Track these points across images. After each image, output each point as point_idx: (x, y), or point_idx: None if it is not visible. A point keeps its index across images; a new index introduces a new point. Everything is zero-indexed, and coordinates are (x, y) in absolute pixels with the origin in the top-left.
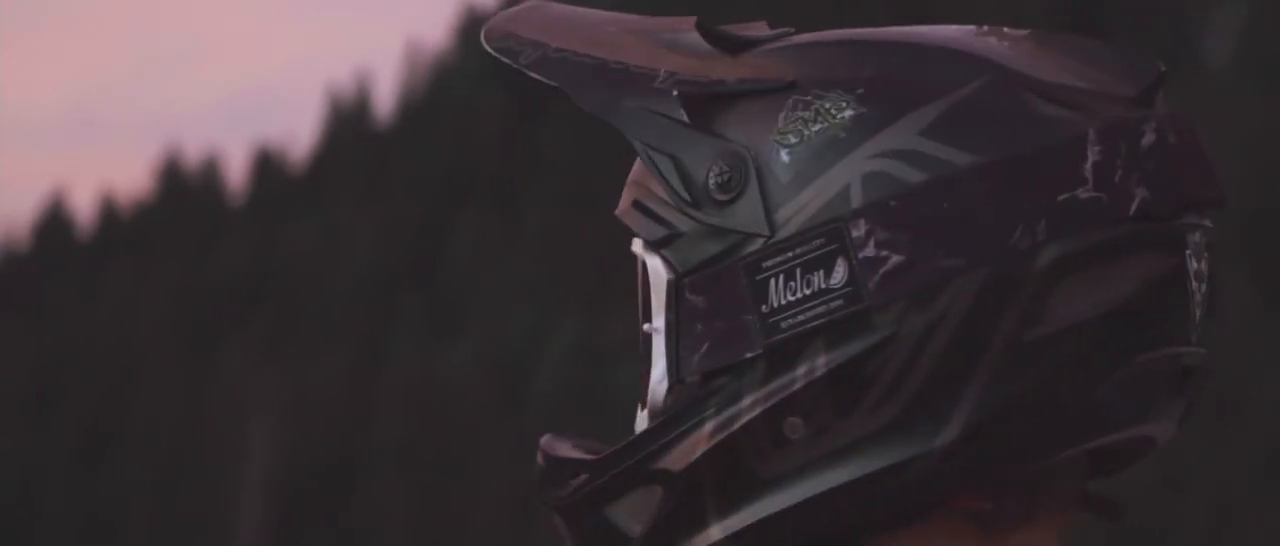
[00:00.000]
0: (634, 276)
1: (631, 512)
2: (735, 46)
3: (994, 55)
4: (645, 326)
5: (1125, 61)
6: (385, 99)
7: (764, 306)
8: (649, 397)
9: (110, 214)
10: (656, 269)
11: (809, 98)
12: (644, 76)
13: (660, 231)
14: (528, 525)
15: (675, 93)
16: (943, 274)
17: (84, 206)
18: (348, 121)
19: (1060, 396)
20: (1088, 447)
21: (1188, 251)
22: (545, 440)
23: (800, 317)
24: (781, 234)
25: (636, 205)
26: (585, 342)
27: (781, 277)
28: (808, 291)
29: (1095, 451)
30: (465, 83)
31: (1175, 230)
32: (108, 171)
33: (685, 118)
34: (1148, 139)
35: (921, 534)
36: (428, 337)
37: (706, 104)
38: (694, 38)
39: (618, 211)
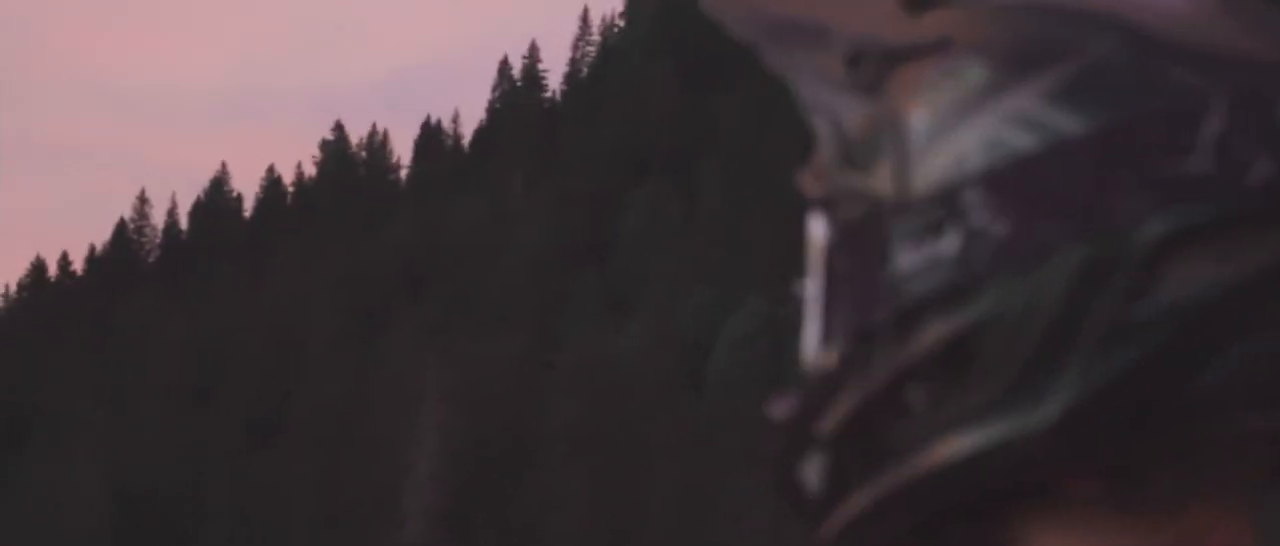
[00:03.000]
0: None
1: (814, 475)
2: (925, 1)
3: (1138, 15)
4: (804, 289)
5: None
6: (555, 73)
7: (892, 272)
8: (804, 363)
9: (273, 194)
10: (816, 232)
11: (952, 59)
12: (821, 34)
13: (819, 194)
14: (708, 508)
15: (844, 52)
16: (1046, 246)
17: (247, 187)
18: (516, 96)
19: (1169, 375)
20: (1213, 430)
21: None
22: (774, 401)
23: (920, 285)
24: (910, 199)
25: (809, 167)
26: (767, 319)
27: (907, 244)
28: (927, 258)
29: None
30: (637, 55)
31: None
32: (271, 151)
33: (850, 78)
34: None
35: (1058, 514)
36: (601, 317)
37: (872, 64)
38: None
39: (798, 176)
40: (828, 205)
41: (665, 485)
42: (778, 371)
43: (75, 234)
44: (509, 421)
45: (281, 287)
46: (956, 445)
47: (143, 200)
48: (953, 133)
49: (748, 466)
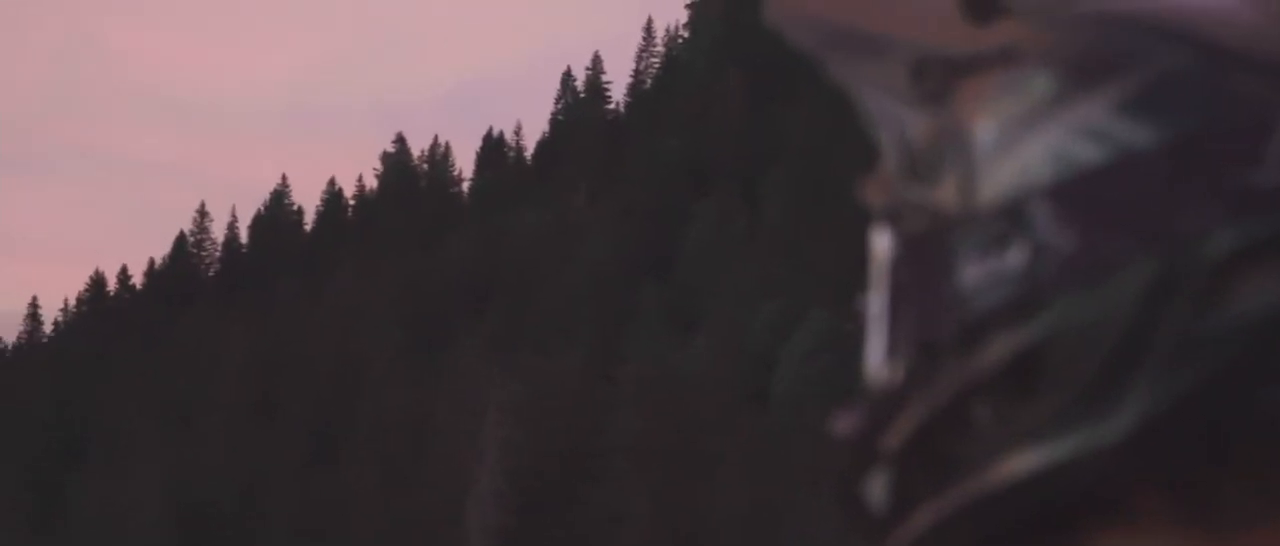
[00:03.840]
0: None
1: (877, 491)
2: (989, 11)
3: (1206, 24)
4: (867, 303)
5: None
6: (618, 84)
7: (957, 286)
8: (868, 378)
9: (334, 208)
10: (879, 245)
11: (1017, 70)
12: (884, 44)
13: (882, 206)
14: (773, 524)
15: (908, 63)
16: (1113, 260)
17: (307, 200)
18: (579, 108)
19: (1240, 389)
20: None
21: None
22: (838, 419)
23: (985, 300)
24: (975, 212)
25: (873, 179)
26: (833, 333)
27: (972, 257)
28: (992, 272)
29: None
30: (701, 65)
31: None
32: (331, 164)
33: (914, 89)
34: None
35: (1126, 530)
36: (665, 331)
37: (936, 75)
38: (949, 1)
39: (859, 188)
40: (891, 218)
41: (729, 501)
42: (843, 385)
43: (135, 247)
44: (571, 436)
45: (342, 301)
46: (1023, 461)
47: (202, 213)
48: (1018, 144)
49: (813, 482)
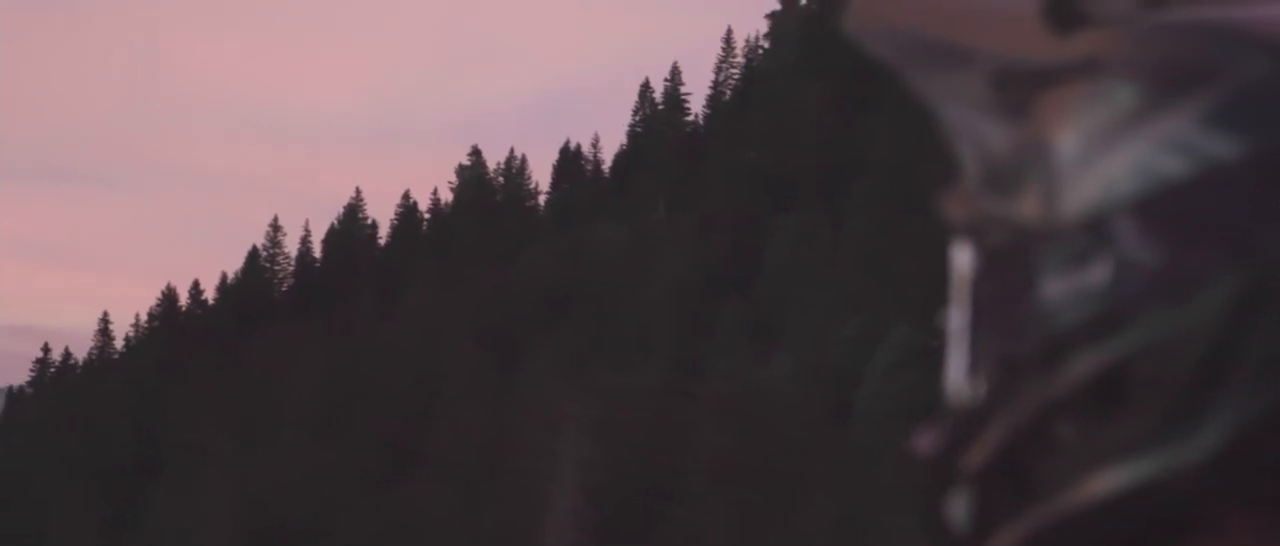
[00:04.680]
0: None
1: (959, 511)
2: (1072, 21)
3: None
4: (948, 319)
5: None
6: (697, 95)
7: (1039, 302)
8: (949, 395)
9: (409, 221)
10: (960, 259)
11: (1100, 81)
12: (965, 56)
13: (963, 220)
14: (857, 544)
15: (989, 75)
16: (1199, 276)
17: (382, 214)
18: (658, 120)
19: None
20: None
21: None
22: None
23: (1068, 316)
24: (1058, 226)
25: (953, 193)
26: (917, 349)
27: (1055, 272)
28: (1075, 288)
29: None
30: (782, 77)
31: None
32: (406, 177)
33: (996, 101)
34: None
35: None
36: (746, 347)
37: (1018, 87)
38: (1031, 9)
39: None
40: (973, 232)
41: (812, 520)
42: (927, 403)
43: (206, 262)
44: (650, 454)
45: (416, 317)
46: (1107, 480)
47: (275, 227)
48: (1102, 157)
49: (897, 500)
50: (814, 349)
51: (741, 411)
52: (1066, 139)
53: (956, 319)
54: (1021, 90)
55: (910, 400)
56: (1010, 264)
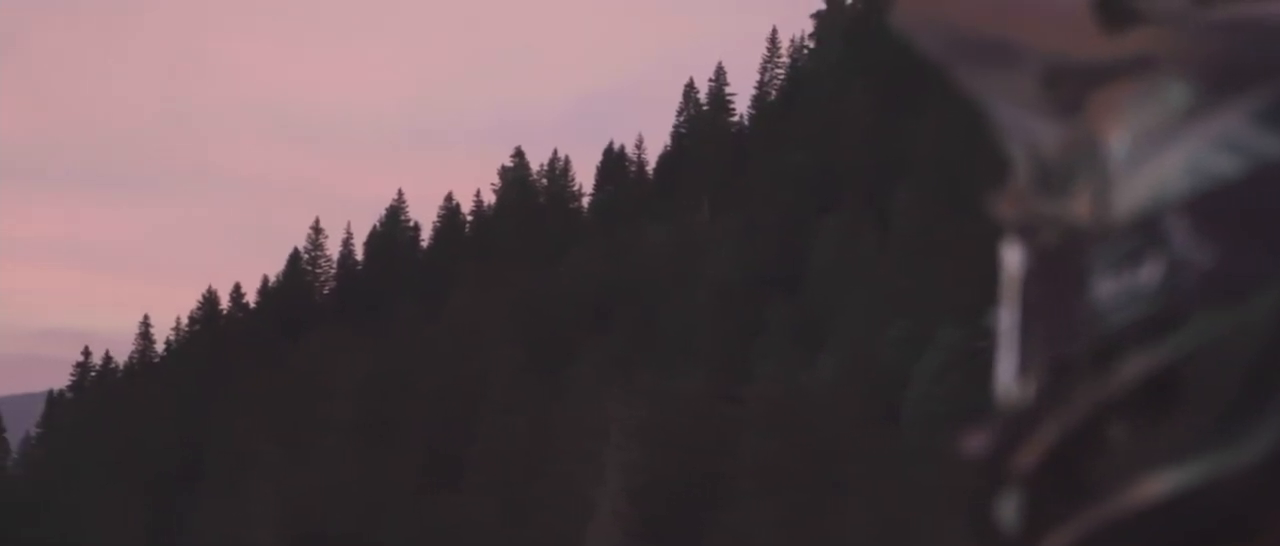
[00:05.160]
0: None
1: (1009, 513)
2: (1124, 18)
3: None
4: (998, 319)
5: None
6: (742, 96)
7: (1090, 302)
8: (998, 396)
9: (452, 223)
10: (1011, 259)
11: (1152, 79)
12: (1015, 53)
13: (1014, 220)
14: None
15: (1039, 72)
16: (1252, 276)
17: (424, 216)
18: (702, 121)
19: None
20: None
21: None
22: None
23: (1120, 317)
24: (1109, 226)
25: (1004, 192)
26: (964, 352)
27: (1106, 272)
28: (1127, 288)
29: None
30: (827, 77)
31: None
32: (449, 179)
33: (1046, 99)
34: None
35: None
36: (792, 350)
37: (1069, 85)
38: (1082, 5)
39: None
40: (1023, 231)
41: (859, 523)
42: (975, 405)
43: (248, 265)
44: (695, 458)
45: (459, 320)
46: (1159, 483)
47: (317, 230)
48: (1154, 156)
49: (945, 503)
50: (860, 351)
51: (787, 414)
52: (1118, 138)
53: (1007, 319)
54: (1072, 88)
55: (957, 403)
56: (1061, 264)
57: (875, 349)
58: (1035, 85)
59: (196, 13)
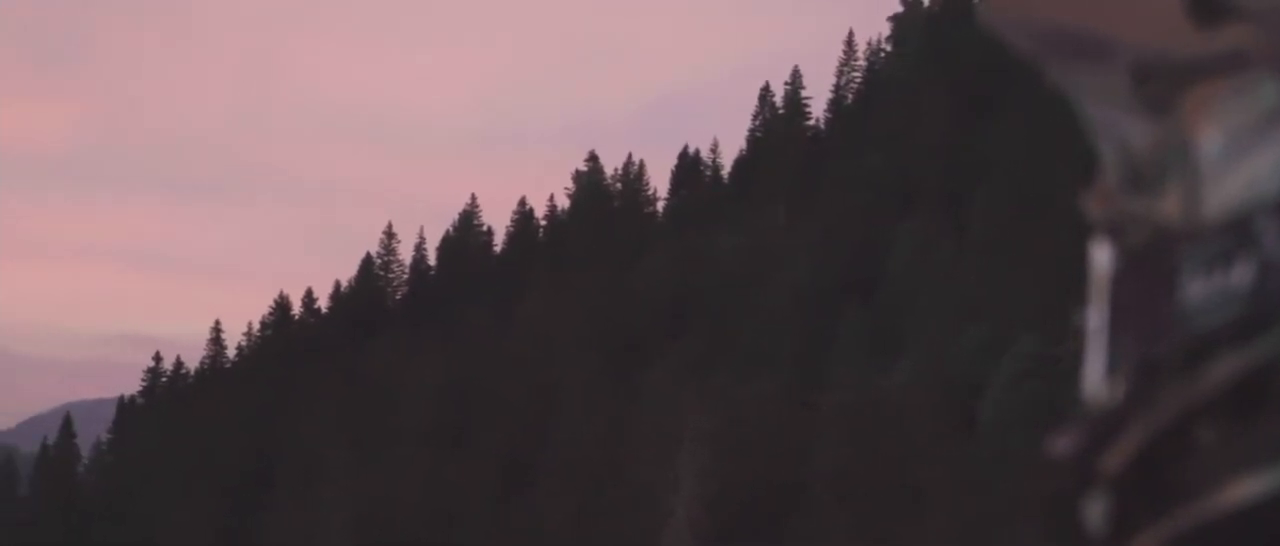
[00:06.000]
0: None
1: (1096, 515)
2: (1217, 13)
3: None
4: (1086, 319)
5: None
6: (818, 99)
7: (1181, 303)
8: (1086, 397)
9: (525, 228)
10: (1099, 258)
11: (1246, 76)
12: (1106, 49)
13: (1103, 219)
14: None
15: (1130, 69)
16: None
17: (497, 220)
18: (778, 124)
19: None
20: None
21: None
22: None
23: (1210, 318)
24: (1200, 226)
25: (1093, 190)
26: (1042, 358)
27: (1197, 273)
28: (1218, 289)
29: None
30: (905, 80)
31: None
32: (522, 183)
33: (1137, 96)
34: None
35: None
36: (868, 356)
37: (1161, 82)
38: (1174, 1)
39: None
40: (1113, 231)
41: (936, 532)
42: (1053, 412)
43: (320, 270)
44: (770, 464)
45: (533, 325)
46: (1249, 486)
47: (389, 234)
48: (1246, 155)
49: (1022, 510)
50: (936, 356)
51: (862, 420)
52: (1210, 136)
53: (1095, 319)
54: (1164, 85)
55: (1035, 410)
56: (1151, 264)
57: (952, 354)
58: (1126, 82)
59: (269, 16)
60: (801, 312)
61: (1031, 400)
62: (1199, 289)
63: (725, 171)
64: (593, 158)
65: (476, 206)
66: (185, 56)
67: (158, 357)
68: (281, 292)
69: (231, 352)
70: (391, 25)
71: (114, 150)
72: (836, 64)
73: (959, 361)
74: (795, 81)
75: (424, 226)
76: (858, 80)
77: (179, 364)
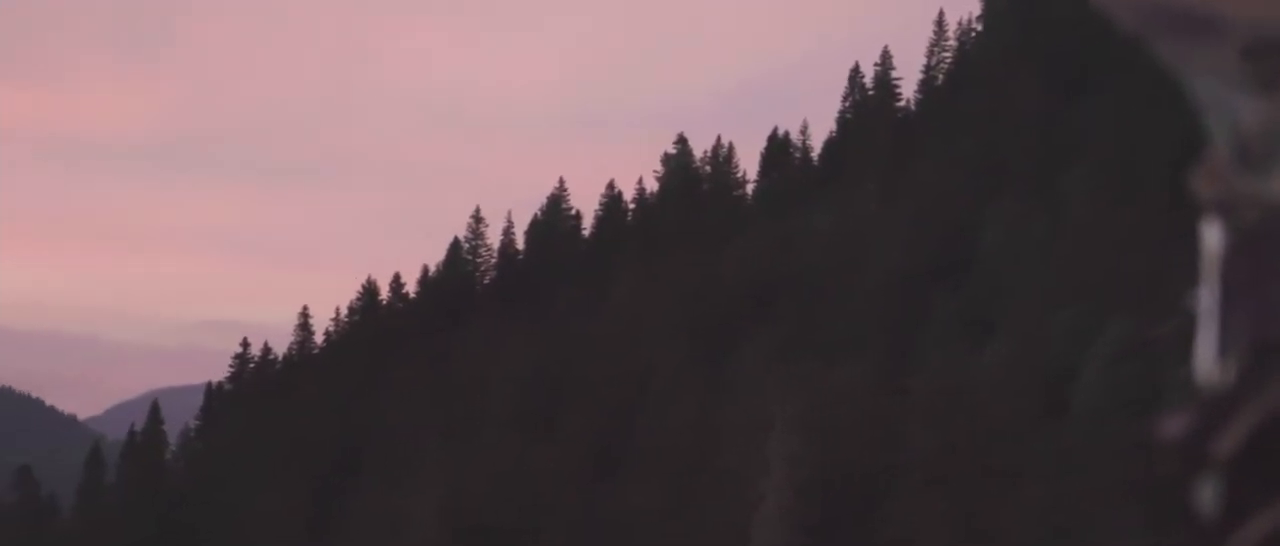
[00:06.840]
0: (1196, 263)
1: (1208, 498)
2: None
3: None
4: (1196, 300)
5: None
6: (909, 80)
7: None
8: (1198, 377)
9: (614, 211)
10: (1210, 238)
11: None
12: (1215, 25)
13: (1212, 198)
14: (1076, 541)
15: (1240, 46)
16: None
17: (586, 204)
18: (868, 106)
19: None
20: None
21: None
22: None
23: None
24: None
25: (1203, 169)
26: (1136, 342)
27: None
28: None
29: None
30: (996, 60)
31: None
32: (611, 166)
33: (1247, 73)
34: None
35: None
36: (959, 339)
37: (1271, 59)
38: None
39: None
40: (1223, 210)
41: (1029, 517)
42: (1148, 396)
43: (408, 254)
44: (861, 450)
45: (622, 310)
46: None
47: (477, 219)
48: None
49: (1118, 496)
50: (1028, 340)
51: (953, 404)
52: None
53: (1206, 300)
54: (1275, 62)
55: (1129, 394)
56: (1263, 244)
57: (1044, 337)
58: (1236, 59)
59: (357, 2)
60: (892, 296)
61: (1125, 384)
62: None
63: (815, 154)
64: (681, 140)
65: (565, 190)
66: (274, 43)
67: (245, 344)
68: (369, 278)
69: (319, 339)
70: (480, 9)
71: (201, 138)
72: (927, 44)
73: (1051, 344)
74: (885, 62)
75: (512, 210)
76: (948, 60)
77: (267, 350)
